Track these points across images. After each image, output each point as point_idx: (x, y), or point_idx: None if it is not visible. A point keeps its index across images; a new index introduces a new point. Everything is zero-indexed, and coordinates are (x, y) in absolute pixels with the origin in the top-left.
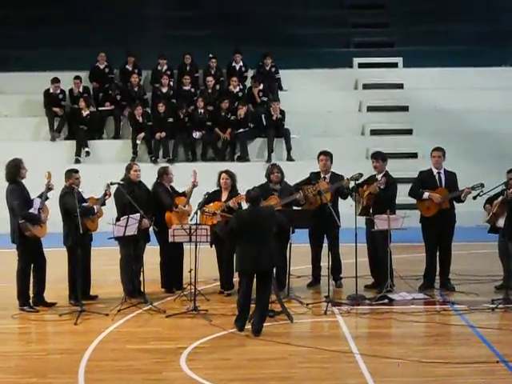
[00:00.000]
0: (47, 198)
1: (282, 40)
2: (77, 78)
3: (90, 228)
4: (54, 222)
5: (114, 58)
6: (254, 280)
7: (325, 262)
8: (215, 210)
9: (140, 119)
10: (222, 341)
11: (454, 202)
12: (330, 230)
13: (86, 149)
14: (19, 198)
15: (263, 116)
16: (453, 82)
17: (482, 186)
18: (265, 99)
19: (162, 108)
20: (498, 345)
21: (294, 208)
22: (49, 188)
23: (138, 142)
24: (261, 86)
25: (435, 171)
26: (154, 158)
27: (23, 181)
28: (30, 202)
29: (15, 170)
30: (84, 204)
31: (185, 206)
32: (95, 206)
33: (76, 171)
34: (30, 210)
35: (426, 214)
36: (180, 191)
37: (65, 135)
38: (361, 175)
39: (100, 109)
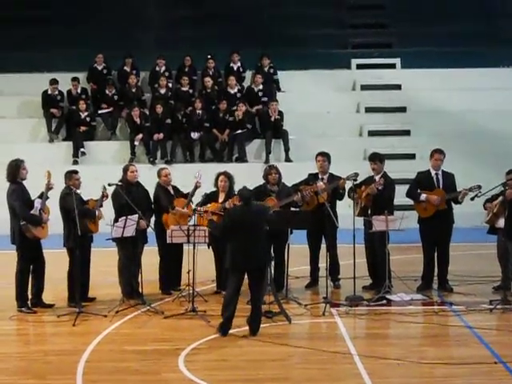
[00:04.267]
0: (47, 198)
1: (280, 41)
2: (74, 79)
3: (92, 229)
4: (53, 224)
5: (112, 59)
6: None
7: (323, 263)
8: (207, 209)
9: (138, 120)
10: (220, 342)
11: (452, 203)
12: (328, 231)
13: (82, 149)
14: (20, 199)
15: (257, 118)
16: (451, 83)
17: (480, 187)
18: (265, 99)
19: (159, 109)
20: (496, 345)
21: (292, 209)
22: (49, 187)
23: (136, 143)
24: (260, 86)
25: (433, 172)
26: (152, 159)
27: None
28: (31, 202)
29: (15, 170)
30: (84, 206)
31: (184, 208)
32: (96, 211)
33: (76, 172)
34: (31, 211)
35: (424, 215)
36: (184, 192)
37: (63, 136)
38: (357, 175)
39: (99, 112)
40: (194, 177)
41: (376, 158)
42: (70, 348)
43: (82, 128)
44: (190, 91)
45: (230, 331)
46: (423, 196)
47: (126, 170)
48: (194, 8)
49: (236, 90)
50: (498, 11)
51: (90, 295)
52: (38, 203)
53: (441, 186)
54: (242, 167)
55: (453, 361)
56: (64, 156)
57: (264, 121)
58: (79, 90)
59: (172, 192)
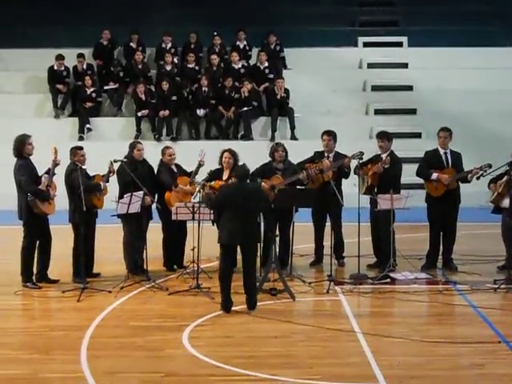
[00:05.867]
0: (54, 174)
1: (287, 18)
2: (80, 55)
3: (97, 205)
4: (58, 199)
5: (118, 36)
6: None
7: (327, 241)
8: (205, 182)
9: (142, 97)
10: (223, 318)
11: (460, 182)
12: (333, 209)
13: (88, 125)
14: (26, 174)
15: (264, 96)
16: (457, 62)
17: (490, 166)
18: (271, 76)
19: (165, 86)
20: (500, 325)
21: (297, 187)
22: (56, 164)
23: (139, 114)
24: (266, 63)
25: (441, 151)
26: (158, 136)
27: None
28: (38, 178)
29: (21, 145)
30: (90, 181)
31: (187, 186)
32: (101, 183)
33: (81, 148)
34: (39, 187)
35: (435, 193)
36: (187, 170)
37: (69, 112)
38: (362, 153)
39: (105, 88)
40: (198, 155)
41: (384, 136)
42: (74, 323)
43: (88, 104)
44: (196, 68)
45: (234, 308)
46: (434, 175)
47: (133, 147)
48: None
49: (240, 66)
50: None
51: (95, 271)
52: (45, 179)
53: (450, 165)
54: (248, 145)
55: (456, 340)
56: (70, 132)
57: (270, 98)
58: (85, 66)
59: (175, 170)
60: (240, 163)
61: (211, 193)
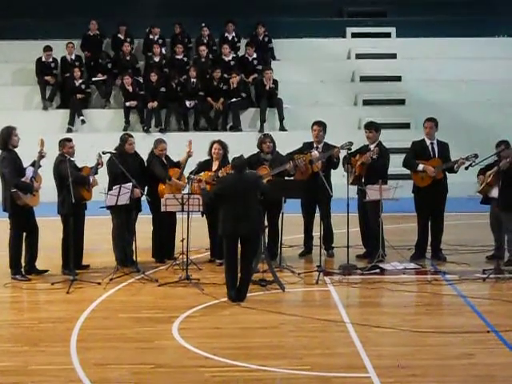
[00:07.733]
0: (40, 166)
1: (275, 9)
2: (69, 43)
3: (85, 197)
4: (47, 191)
5: (106, 27)
6: None
7: (317, 232)
8: (201, 177)
9: (130, 88)
10: (213, 309)
11: (447, 173)
12: (322, 200)
13: (81, 117)
14: (10, 166)
15: (252, 87)
16: (446, 52)
17: (476, 156)
18: (259, 67)
19: (154, 77)
20: (489, 314)
21: (286, 178)
22: (41, 156)
23: (127, 104)
24: (254, 55)
25: (428, 141)
26: (146, 127)
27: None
28: (23, 170)
29: (7, 137)
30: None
31: (178, 179)
32: (90, 177)
33: (69, 140)
34: (23, 179)
35: (421, 184)
36: (174, 161)
37: (57, 104)
38: (351, 144)
39: (93, 79)
40: (186, 145)
41: (372, 127)
42: (64, 315)
43: (79, 96)
44: (185, 59)
45: (223, 299)
46: (421, 166)
47: (124, 140)
48: None
49: (230, 58)
50: None
51: (84, 263)
52: (30, 171)
53: (436, 155)
54: (237, 136)
55: (445, 330)
56: (58, 123)
57: (259, 89)
58: (73, 57)
59: (165, 162)
60: (229, 154)
61: (207, 187)
